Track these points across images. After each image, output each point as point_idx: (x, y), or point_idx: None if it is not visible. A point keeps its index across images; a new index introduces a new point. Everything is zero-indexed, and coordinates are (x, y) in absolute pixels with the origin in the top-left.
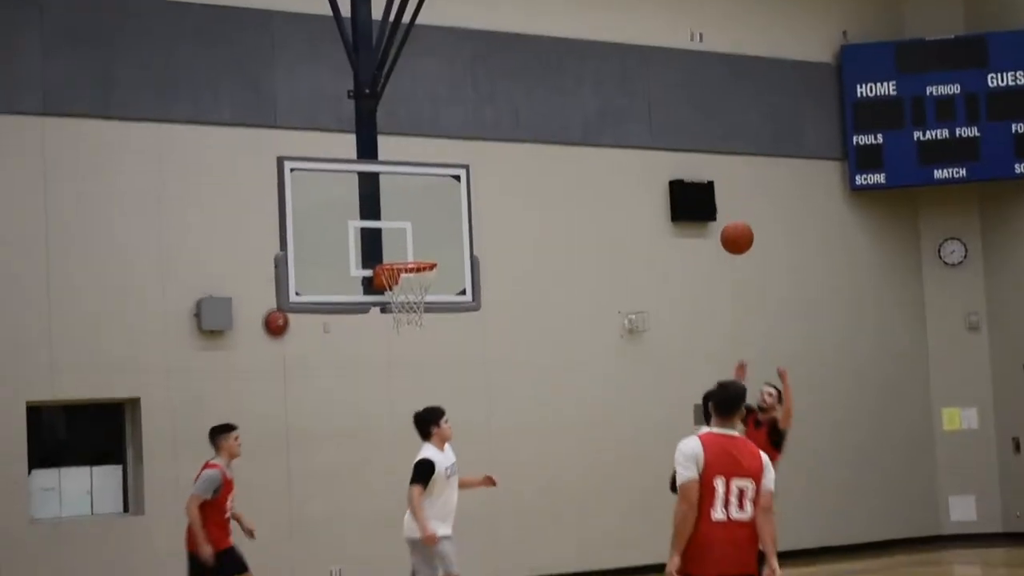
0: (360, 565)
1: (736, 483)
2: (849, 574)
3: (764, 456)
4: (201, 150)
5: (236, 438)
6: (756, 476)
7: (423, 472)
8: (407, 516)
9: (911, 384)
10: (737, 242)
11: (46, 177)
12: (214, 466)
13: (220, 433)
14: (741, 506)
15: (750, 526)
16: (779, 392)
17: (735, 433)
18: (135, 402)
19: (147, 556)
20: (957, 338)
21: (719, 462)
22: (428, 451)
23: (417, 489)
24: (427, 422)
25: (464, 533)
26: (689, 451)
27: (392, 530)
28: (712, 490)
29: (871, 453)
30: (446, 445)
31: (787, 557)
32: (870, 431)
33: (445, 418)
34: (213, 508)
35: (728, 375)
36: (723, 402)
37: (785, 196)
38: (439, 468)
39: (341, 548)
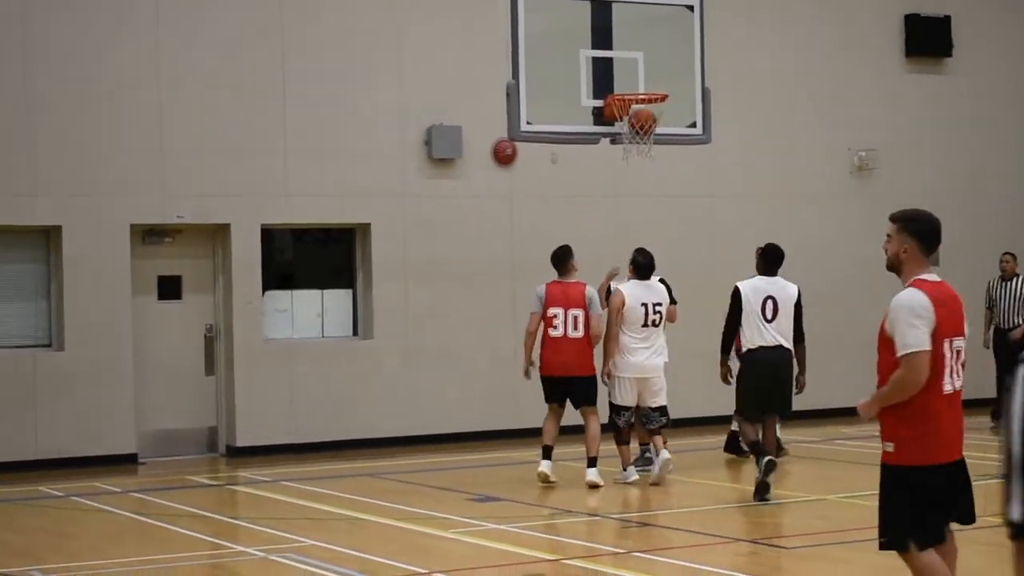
0: None
1: (956, 343)
2: None
3: None
4: None
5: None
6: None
7: None
8: None
9: None
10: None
11: (282, 9)
12: None
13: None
14: (960, 372)
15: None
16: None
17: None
18: (366, 227)
19: (376, 379)
20: None
21: (947, 320)
22: None
23: None
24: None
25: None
26: (920, 307)
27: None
28: (942, 356)
29: None
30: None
31: None
32: None
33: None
34: None
35: (966, 216)
36: (929, 234)
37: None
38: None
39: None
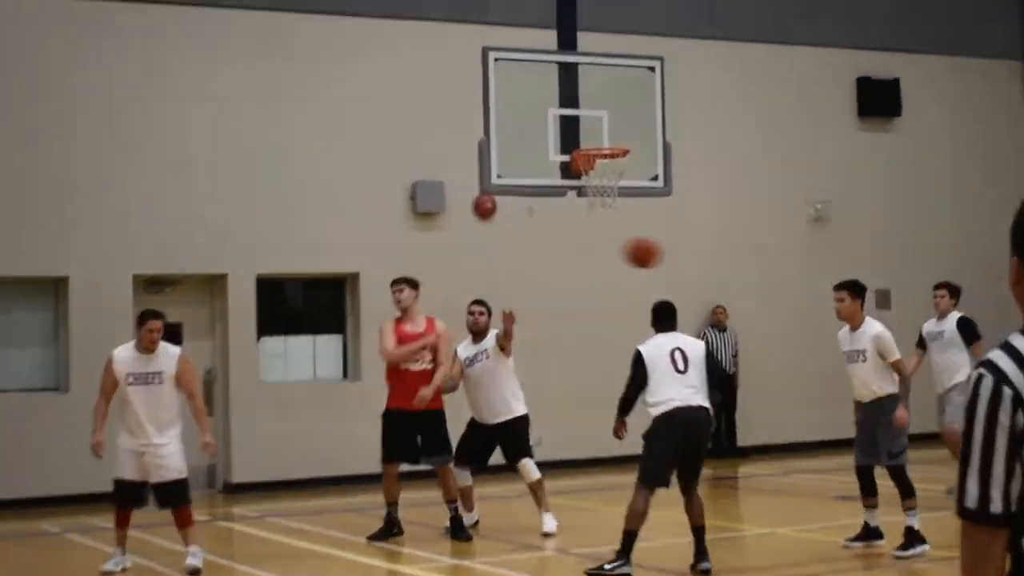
0: (557, 438)
1: None
2: None
3: None
4: (429, 47)
5: None
6: None
7: None
8: None
9: None
10: (642, 257)
11: (280, 72)
12: None
13: None
14: None
15: None
16: None
17: None
18: (355, 276)
19: (364, 417)
20: None
21: None
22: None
23: None
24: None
25: None
26: None
27: (585, 406)
28: None
29: None
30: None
31: None
32: None
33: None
34: None
35: (913, 261)
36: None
37: (969, 94)
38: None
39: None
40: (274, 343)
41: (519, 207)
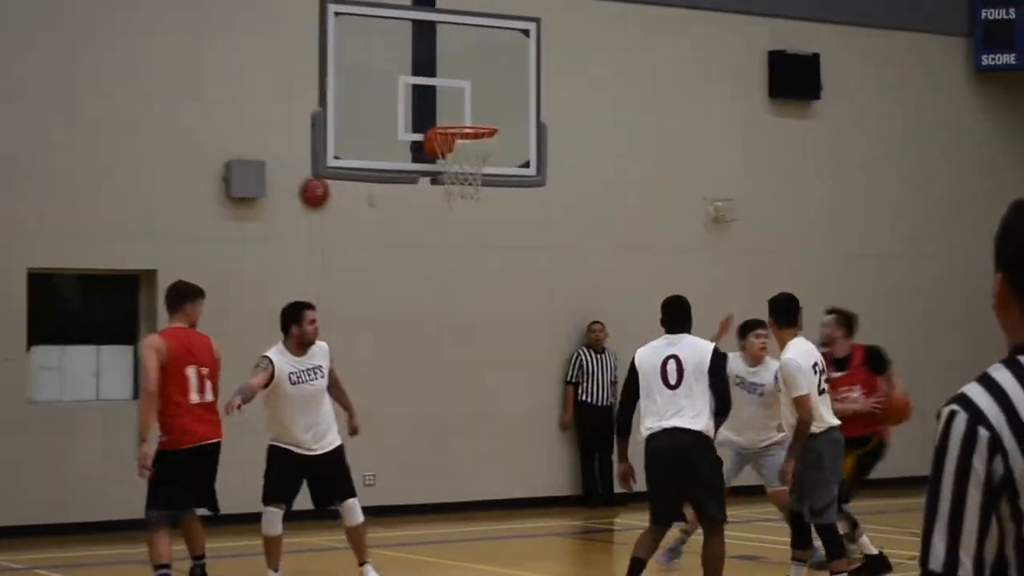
0: (397, 466)
1: None
2: None
3: None
4: None
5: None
6: None
7: None
8: None
9: None
10: None
11: (74, 32)
12: None
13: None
14: None
15: None
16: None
17: None
18: (151, 274)
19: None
20: None
21: None
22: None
23: None
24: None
25: None
26: None
27: (428, 429)
28: None
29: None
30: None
31: None
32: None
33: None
34: None
35: (819, 274)
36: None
37: (900, 74)
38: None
39: (377, 449)
40: (48, 353)
41: (358, 195)
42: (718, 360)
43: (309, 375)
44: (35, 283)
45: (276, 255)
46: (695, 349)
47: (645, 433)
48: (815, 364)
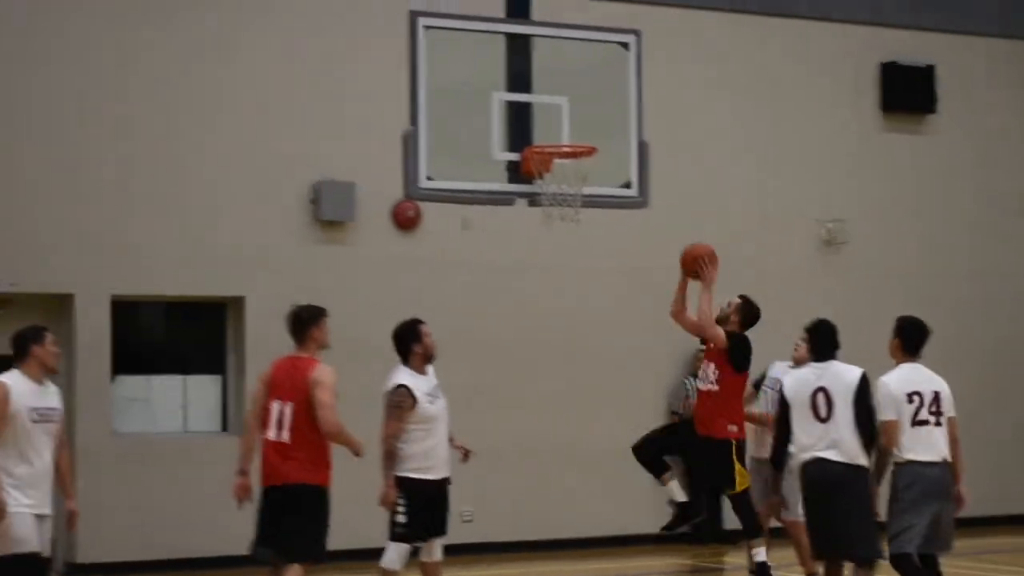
0: (495, 499)
1: None
2: None
3: None
4: (341, 11)
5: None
6: None
7: None
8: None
9: None
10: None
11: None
12: None
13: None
14: None
15: None
16: None
17: None
18: (239, 301)
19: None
20: None
21: None
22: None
23: None
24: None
25: None
26: None
27: (525, 461)
28: None
29: None
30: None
31: None
32: None
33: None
34: None
35: (935, 298)
36: None
37: (1021, 85)
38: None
39: (472, 483)
40: (133, 384)
41: (451, 217)
42: (864, 388)
43: (437, 392)
44: (119, 311)
45: (366, 280)
46: (841, 380)
47: (798, 464)
48: (914, 393)
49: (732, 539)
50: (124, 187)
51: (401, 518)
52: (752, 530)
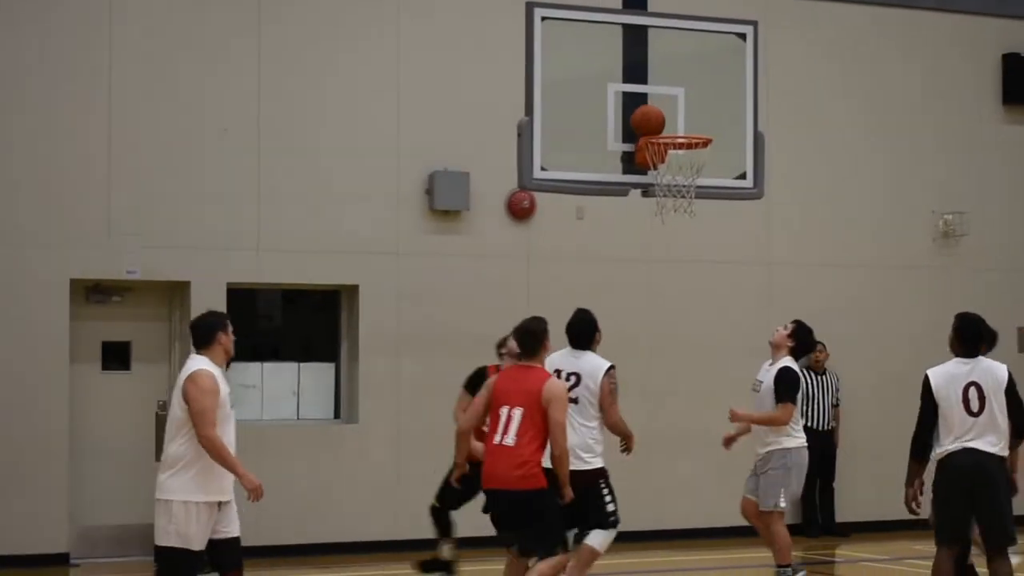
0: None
1: None
2: None
3: None
4: (455, 3)
5: None
6: None
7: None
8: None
9: None
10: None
11: (260, 43)
12: None
13: None
14: None
15: None
16: None
17: None
18: (353, 289)
19: (360, 470)
20: None
21: None
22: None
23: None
24: None
25: None
26: None
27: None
28: None
29: None
30: None
31: None
32: None
33: None
34: None
35: None
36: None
37: None
38: None
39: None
40: (247, 371)
41: (567, 207)
42: (1012, 382)
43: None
44: (235, 298)
45: (480, 270)
46: (993, 375)
47: (941, 453)
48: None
49: (843, 532)
50: (242, 179)
51: (611, 506)
52: None
